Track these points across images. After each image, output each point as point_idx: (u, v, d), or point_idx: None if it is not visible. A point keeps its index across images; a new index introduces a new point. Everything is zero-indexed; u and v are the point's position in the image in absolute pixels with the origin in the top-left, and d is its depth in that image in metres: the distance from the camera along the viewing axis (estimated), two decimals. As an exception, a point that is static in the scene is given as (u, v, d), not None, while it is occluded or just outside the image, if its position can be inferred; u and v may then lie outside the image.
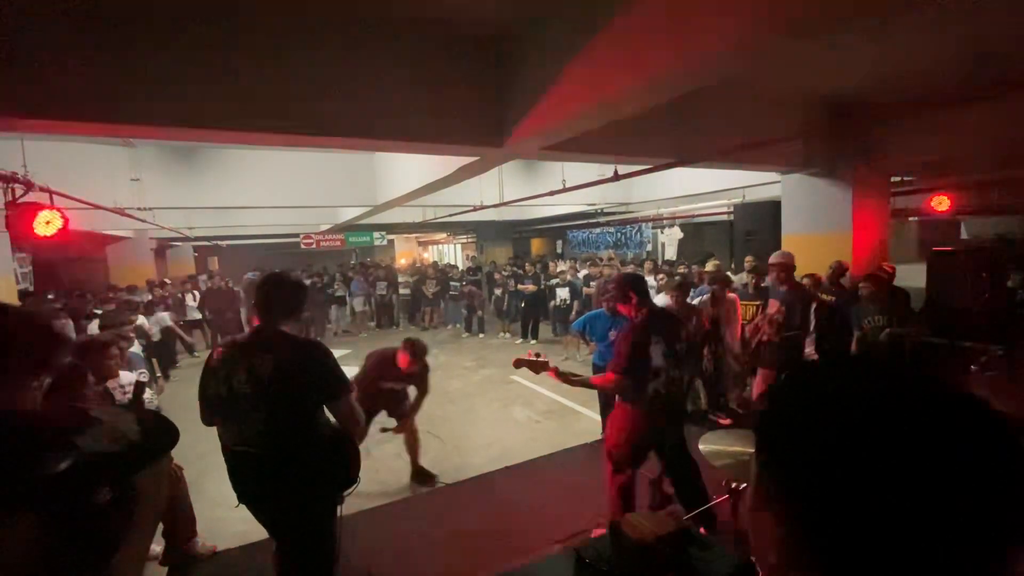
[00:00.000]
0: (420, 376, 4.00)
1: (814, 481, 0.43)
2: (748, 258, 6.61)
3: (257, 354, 1.98)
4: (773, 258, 4.59)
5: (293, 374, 1.96)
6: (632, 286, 2.90)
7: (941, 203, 6.39)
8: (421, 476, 4.21)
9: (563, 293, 9.80)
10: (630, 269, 9.59)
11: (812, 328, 4.67)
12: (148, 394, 3.45)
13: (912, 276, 7.24)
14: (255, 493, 2.06)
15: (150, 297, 9.00)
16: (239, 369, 1.98)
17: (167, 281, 10.78)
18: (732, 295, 5.04)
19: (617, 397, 2.96)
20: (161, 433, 1.07)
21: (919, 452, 0.40)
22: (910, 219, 9.89)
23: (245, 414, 1.97)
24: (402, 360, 3.81)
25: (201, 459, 3.26)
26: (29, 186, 4.06)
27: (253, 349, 2.01)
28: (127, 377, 3.37)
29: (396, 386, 4.03)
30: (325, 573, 2.14)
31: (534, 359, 2.80)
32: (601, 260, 11.46)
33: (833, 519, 0.42)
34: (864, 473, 0.41)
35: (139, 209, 7.08)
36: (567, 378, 2.78)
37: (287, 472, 1.97)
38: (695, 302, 5.02)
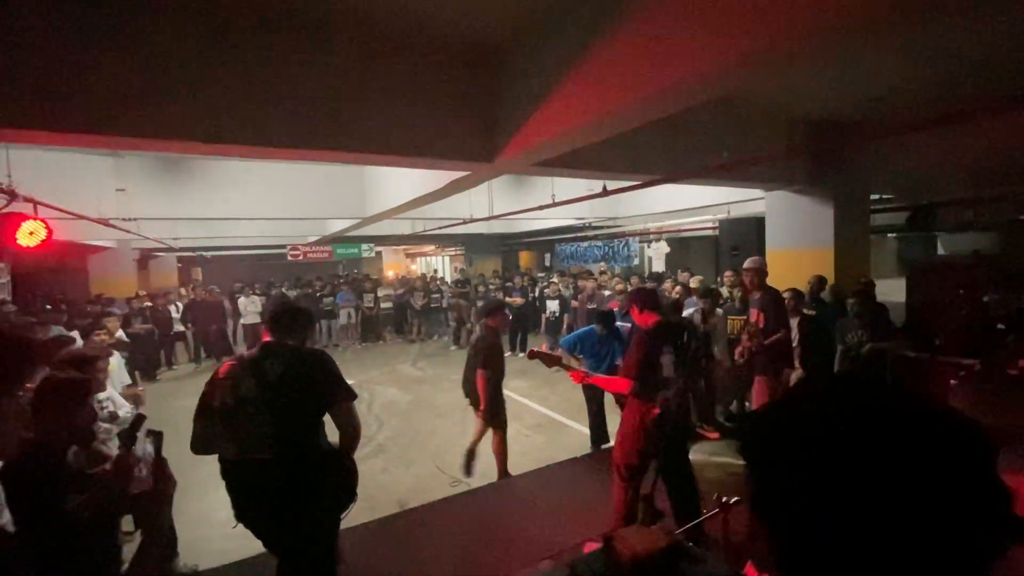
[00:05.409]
0: None
1: (799, 500, 0.46)
2: (728, 273, 6.69)
3: (264, 363, 2.09)
4: (746, 264, 4.71)
5: (299, 379, 2.07)
6: (641, 298, 3.06)
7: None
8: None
9: (552, 306, 9.78)
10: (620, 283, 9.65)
11: (796, 342, 4.74)
12: (128, 409, 3.39)
13: (892, 291, 7.41)
14: (257, 508, 2.07)
15: (128, 309, 8.80)
16: (247, 379, 2.06)
17: (143, 293, 10.47)
18: (719, 312, 5.11)
19: (626, 408, 3.01)
20: None
21: (899, 468, 0.42)
22: (889, 235, 10.13)
23: (251, 421, 2.01)
24: None
25: (182, 477, 3.19)
26: (13, 196, 4.00)
27: (260, 360, 2.11)
28: (106, 392, 3.30)
29: None
30: None
31: (548, 352, 2.95)
32: (592, 274, 11.51)
33: (816, 534, 0.45)
34: (851, 492, 0.43)
35: (124, 219, 6.98)
36: (584, 376, 2.94)
37: (290, 484, 2.00)
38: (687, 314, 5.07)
